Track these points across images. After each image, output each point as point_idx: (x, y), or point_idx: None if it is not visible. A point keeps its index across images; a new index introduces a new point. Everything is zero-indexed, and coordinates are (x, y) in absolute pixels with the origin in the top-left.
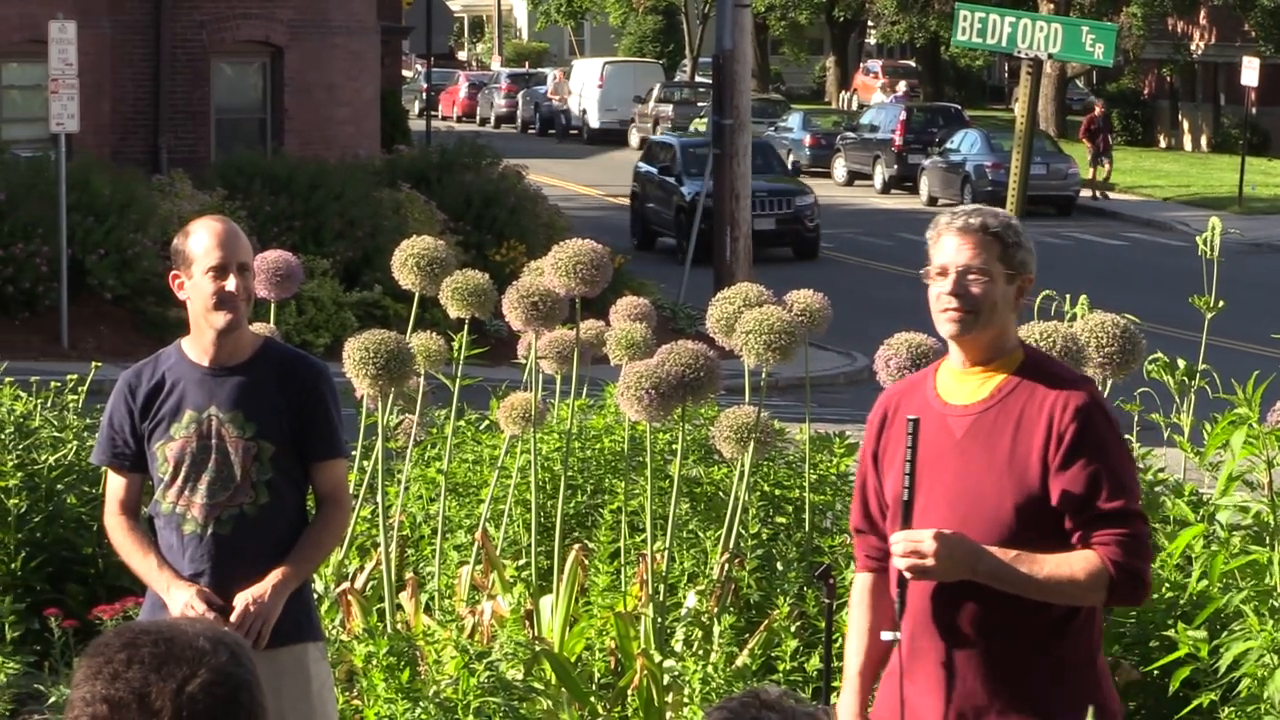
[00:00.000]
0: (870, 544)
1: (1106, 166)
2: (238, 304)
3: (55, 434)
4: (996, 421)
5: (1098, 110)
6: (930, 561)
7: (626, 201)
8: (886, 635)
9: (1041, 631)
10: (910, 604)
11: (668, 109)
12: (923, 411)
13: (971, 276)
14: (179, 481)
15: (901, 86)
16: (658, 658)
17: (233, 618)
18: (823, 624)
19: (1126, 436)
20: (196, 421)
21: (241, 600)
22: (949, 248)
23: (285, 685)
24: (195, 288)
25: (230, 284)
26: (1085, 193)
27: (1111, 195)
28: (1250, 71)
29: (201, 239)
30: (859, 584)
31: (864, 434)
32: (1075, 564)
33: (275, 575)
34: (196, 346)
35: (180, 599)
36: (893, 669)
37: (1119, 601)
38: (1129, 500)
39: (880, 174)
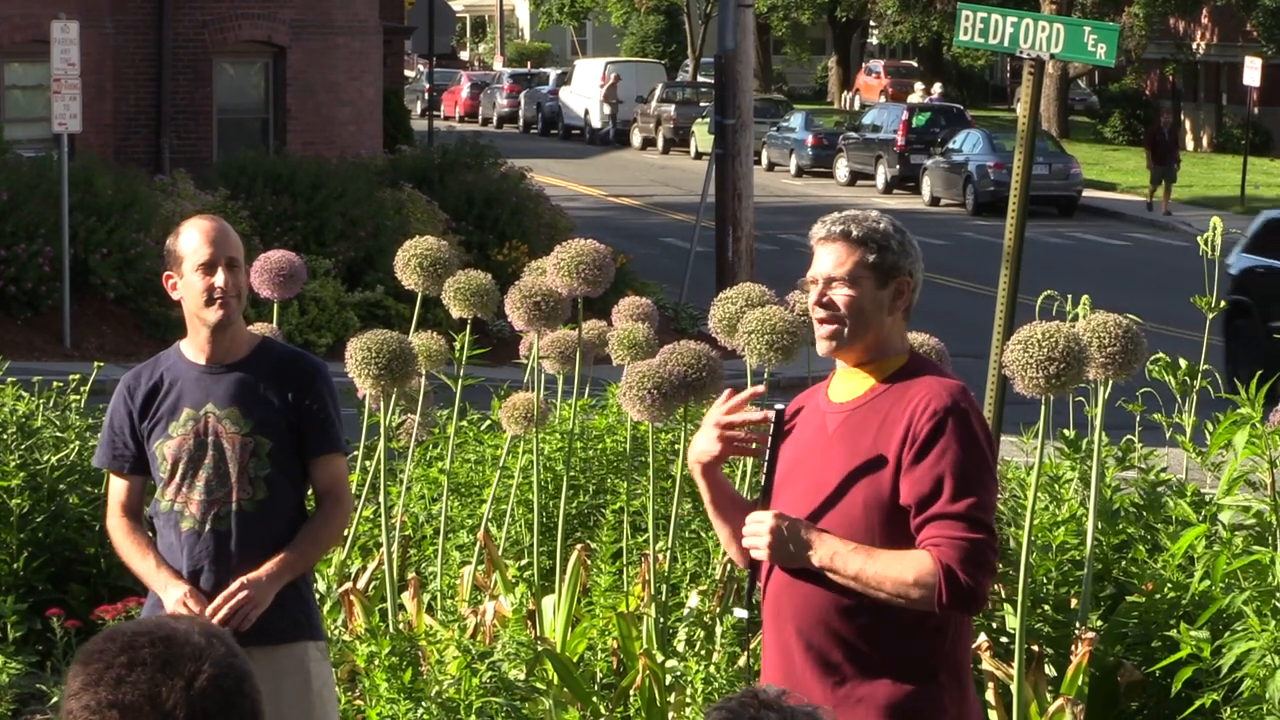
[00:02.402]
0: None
1: (1167, 184)
2: (228, 299)
3: (57, 434)
4: (865, 420)
5: (1163, 119)
6: (765, 539)
7: (631, 203)
8: (739, 612)
9: (885, 633)
10: (762, 587)
11: (670, 109)
12: (811, 410)
13: (835, 285)
14: (176, 479)
15: (937, 89)
16: (660, 658)
17: (221, 595)
18: None
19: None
20: (194, 419)
21: (236, 583)
22: (818, 258)
23: (285, 685)
24: (187, 286)
25: (219, 279)
26: (1151, 206)
27: (1114, 194)
28: (1252, 71)
29: (190, 237)
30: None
31: None
32: (906, 563)
33: (271, 564)
34: (193, 345)
35: (174, 596)
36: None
37: (948, 608)
38: (973, 507)
39: (882, 174)
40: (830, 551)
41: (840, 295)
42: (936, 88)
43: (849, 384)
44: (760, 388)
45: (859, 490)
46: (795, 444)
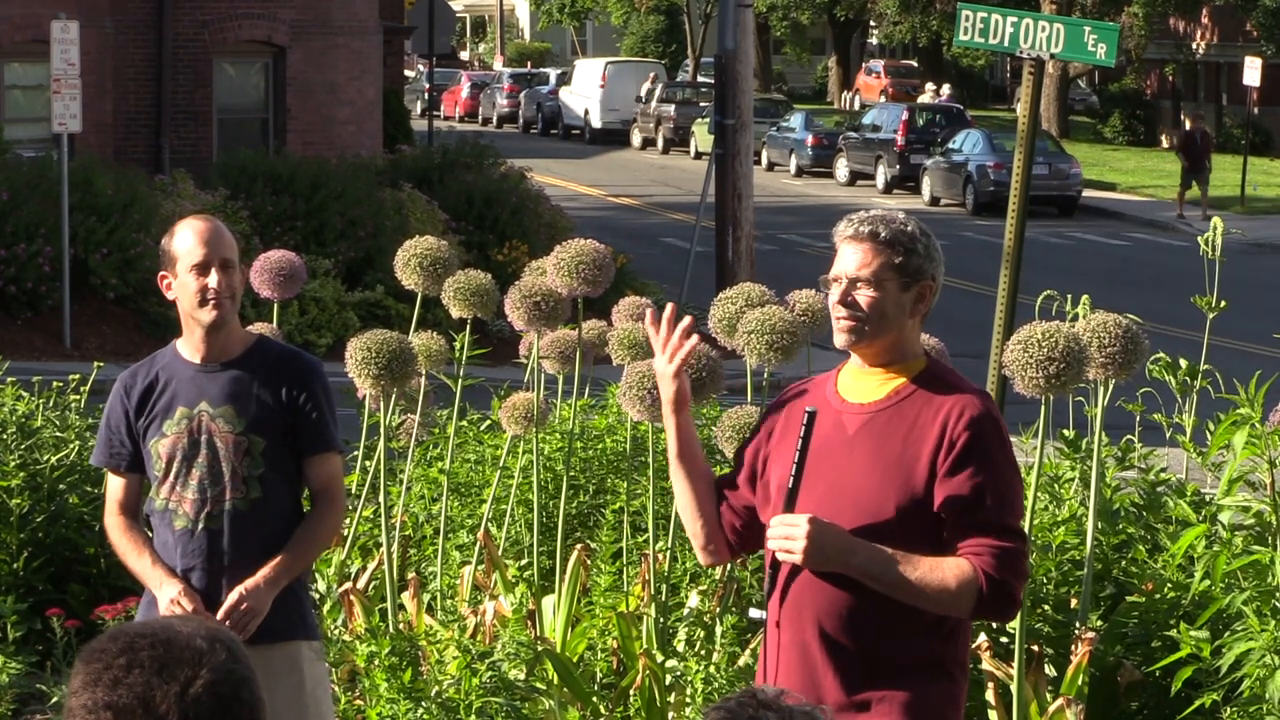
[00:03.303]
0: (733, 499)
1: (1201, 187)
2: (222, 300)
3: (57, 434)
4: (890, 422)
5: (1194, 123)
6: (800, 543)
7: (631, 203)
8: (754, 613)
9: (905, 635)
10: (780, 589)
11: (670, 109)
12: (821, 408)
13: (860, 286)
14: (171, 478)
15: (946, 89)
16: (660, 658)
17: (223, 608)
18: None
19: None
20: (188, 418)
21: (235, 592)
22: (842, 256)
23: (278, 684)
24: (181, 286)
25: (213, 280)
26: (1174, 213)
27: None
28: (1252, 71)
29: (185, 237)
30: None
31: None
32: (947, 571)
33: (267, 569)
34: (188, 345)
35: (167, 595)
36: (763, 651)
37: (986, 615)
38: (1009, 516)
39: (882, 174)
40: (868, 558)
41: (864, 296)
42: (945, 88)
43: (866, 384)
44: (668, 311)
45: (890, 495)
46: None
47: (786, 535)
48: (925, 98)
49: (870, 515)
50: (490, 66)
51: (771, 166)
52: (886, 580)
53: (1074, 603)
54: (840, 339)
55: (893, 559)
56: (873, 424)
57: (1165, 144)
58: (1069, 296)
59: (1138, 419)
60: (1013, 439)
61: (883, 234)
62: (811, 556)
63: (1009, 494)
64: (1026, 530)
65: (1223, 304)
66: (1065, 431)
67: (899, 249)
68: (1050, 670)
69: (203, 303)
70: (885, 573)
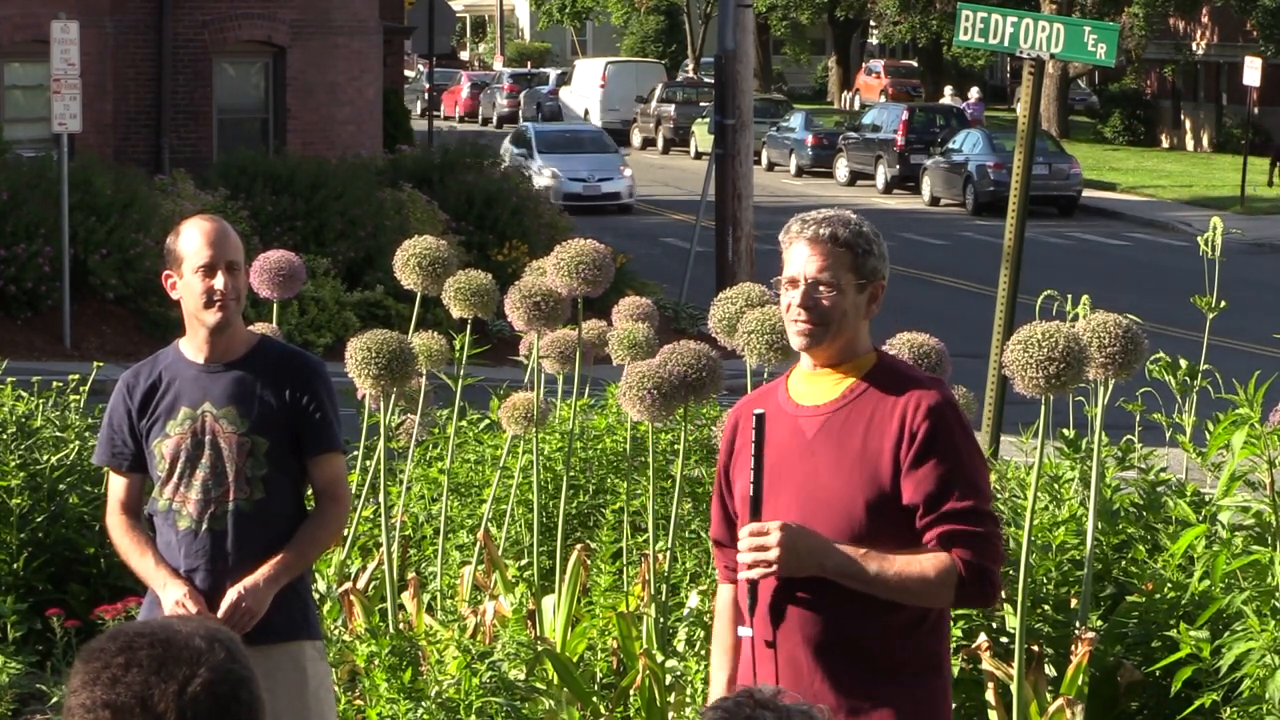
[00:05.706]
0: (730, 556)
1: None
2: (227, 302)
3: (57, 434)
4: (847, 421)
5: None
6: (775, 552)
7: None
8: (743, 631)
9: (891, 634)
10: (761, 601)
11: (670, 109)
12: (775, 415)
13: (821, 289)
14: (174, 478)
15: (974, 93)
16: (660, 658)
17: (223, 607)
18: None
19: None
20: (191, 418)
21: (233, 590)
22: (799, 258)
23: (280, 684)
24: (186, 287)
25: (219, 282)
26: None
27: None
28: (1252, 71)
29: (191, 238)
30: (722, 596)
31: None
32: (925, 562)
33: (267, 567)
34: (191, 345)
35: (172, 596)
36: (745, 666)
37: (968, 603)
38: (979, 500)
39: (882, 174)
40: (844, 558)
41: (824, 299)
42: (973, 92)
43: (818, 386)
44: None
45: (857, 493)
46: (767, 450)
47: (760, 546)
48: (948, 100)
49: (841, 516)
50: (490, 66)
51: (771, 166)
52: (864, 578)
53: (1074, 603)
54: (798, 341)
55: (868, 557)
56: (830, 425)
57: (1166, 144)
58: (1069, 296)
59: (1138, 419)
60: (1013, 439)
61: (842, 236)
62: (786, 563)
63: (976, 479)
64: (1027, 530)
65: (1223, 304)
66: (1065, 431)
67: (856, 250)
68: (1050, 670)
69: (208, 304)
70: (862, 571)
